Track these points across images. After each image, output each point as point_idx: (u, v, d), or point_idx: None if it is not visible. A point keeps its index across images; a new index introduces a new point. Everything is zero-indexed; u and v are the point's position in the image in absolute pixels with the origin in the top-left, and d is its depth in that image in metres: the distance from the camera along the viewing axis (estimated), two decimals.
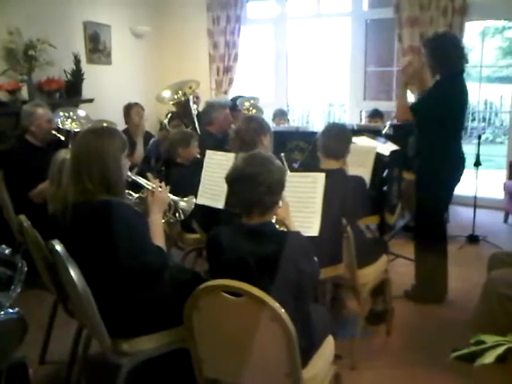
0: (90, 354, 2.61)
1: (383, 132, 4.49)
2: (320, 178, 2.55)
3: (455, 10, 5.37)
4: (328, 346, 2.12)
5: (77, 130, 3.91)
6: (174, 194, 2.57)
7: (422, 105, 3.39)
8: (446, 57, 3.26)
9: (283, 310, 1.69)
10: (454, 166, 3.40)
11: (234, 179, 1.97)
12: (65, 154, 2.63)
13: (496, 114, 11.72)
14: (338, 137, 2.91)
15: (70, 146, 3.70)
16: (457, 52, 3.28)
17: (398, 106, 3.61)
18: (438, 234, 3.49)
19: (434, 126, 3.29)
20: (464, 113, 3.41)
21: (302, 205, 2.53)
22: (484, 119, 11.44)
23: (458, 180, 3.45)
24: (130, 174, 2.34)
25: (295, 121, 9.59)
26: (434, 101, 3.27)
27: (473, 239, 4.74)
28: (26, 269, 1.98)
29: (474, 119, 10.44)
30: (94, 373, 2.67)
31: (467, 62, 3.33)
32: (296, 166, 3.75)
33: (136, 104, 4.91)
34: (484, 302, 2.50)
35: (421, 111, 3.34)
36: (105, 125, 4.22)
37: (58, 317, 2.82)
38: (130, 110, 4.85)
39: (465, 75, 3.38)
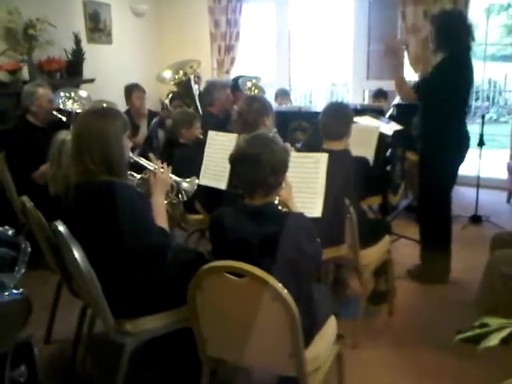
0: (95, 333, 2.66)
1: (387, 114, 4.45)
2: (323, 158, 2.54)
3: None
4: (330, 326, 2.13)
5: (78, 110, 3.89)
6: (176, 175, 2.56)
7: (426, 84, 3.35)
8: (453, 34, 3.21)
9: (286, 291, 1.70)
10: (459, 146, 3.37)
11: (237, 160, 1.96)
12: (65, 135, 2.62)
13: (500, 93, 11.61)
14: (339, 117, 2.89)
15: (71, 127, 3.70)
16: (464, 29, 3.23)
17: (400, 89, 3.55)
18: (443, 214, 3.48)
19: (438, 105, 3.25)
20: (469, 91, 3.37)
21: (305, 185, 2.52)
22: (488, 98, 11.34)
23: (462, 159, 3.42)
24: (131, 154, 2.32)
25: (297, 100, 9.52)
26: (439, 79, 3.23)
27: (476, 219, 4.73)
28: (29, 249, 1.98)
29: (477, 98, 10.35)
30: (98, 352, 2.71)
31: (474, 40, 3.28)
32: (299, 146, 3.72)
33: (137, 86, 4.82)
34: (486, 282, 2.51)
35: (426, 91, 3.30)
36: (105, 105, 4.21)
37: (63, 297, 2.84)
38: (130, 93, 4.78)
39: (471, 53, 3.34)
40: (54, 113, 3.79)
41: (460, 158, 3.40)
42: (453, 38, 3.21)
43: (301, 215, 2.00)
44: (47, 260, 2.66)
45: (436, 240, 3.49)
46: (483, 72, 6.17)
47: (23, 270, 1.91)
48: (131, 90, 4.80)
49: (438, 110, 3.27)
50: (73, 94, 4.03)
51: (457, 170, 3.45)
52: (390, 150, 3.91)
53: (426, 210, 3.54)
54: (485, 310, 2.59)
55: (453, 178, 3.47)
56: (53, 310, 2.89)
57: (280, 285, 1.69)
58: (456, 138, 3.34)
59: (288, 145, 3.21)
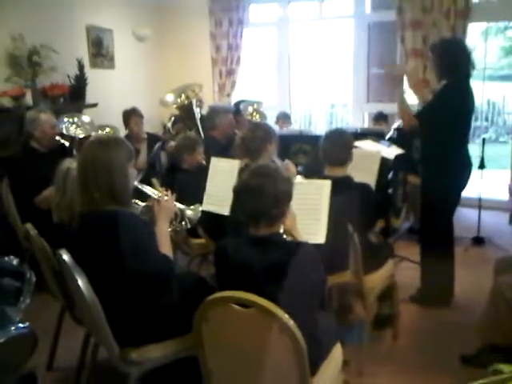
0: (98, 360, 2.62)
1: (387, 136, 4.48)
2: (325, 185, 2.55)
3: (458, 12, 5.36)
4: (336, 354, 2.12)
5: (81, 135, 3.91)
6: (179, 200, 2.57)
7: (428, 111, 3.37)
8: (454, 62, 3.25)
9: (292, 322, 1.69)
10: (461, 171, 3.39)
11: (241, 191, 1.97)
12: (69, 164, 2.64)
13: (499, 114, 11.69)
14: (340, 144, 2.92)
15: (74, 152, 3.73)
16: (464, 57, 3.28)
17: (402, 115, 3.59)
18: (445, 238, 3.49)
19: (441, 131, 3.28)
20: (471, 117, 3.40)
21: (308, 212, 2.53)
22: (487, 119, 11.41)
23: (464, 185, 3.44)
24: (136, 183, 2.34)
25: (297, 122, 9.58)
26: (441, 106, 3.26)
27: (478, 241, 4.74)
28: (34, 279, 1.99)
29: (476, 119, 10.42)
30: (102, 380, 2.68)
31: (474, 68, 3.32)
32: (300, 169, 3.75)
33: (134, 112, 4.83)
34: (491, 308, 2.50)
35: (428, 117, 3.33)
36: (108, 129, 4.25)
37: (66, 322, 2.82)
38: (128, 118, 4.79)
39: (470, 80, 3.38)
40: (57, 138, 3.81)
41: (462, 183, 3.42)
42: (453, 66, 3.25)
43: (306, 244, 2.00)
44: (50, 287, 2.65)
45: (438, 263, 3.48)
46: (482, 93, 6.23)
47: (28, 300, 1.91)
48: (129, 116, 4.81)
49: (440, 137, 3.30)
50: (76, 120, 4.06)
51: (459, 194, 3.47)
52: (391, 174, 3.93)
53: (428, 234, 3.54)
54: (489, 337, 2.59)
55: (455, 202, 3.49)
56: (56, 336, 2.88)
57: (287, 316, 1.69)
58: (458, 164, 3.36)
59: (290, 163, 3.25)
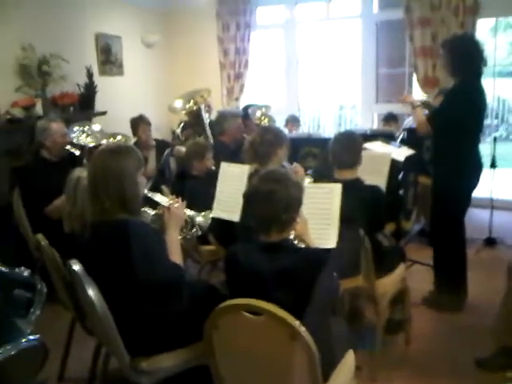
0: (109, 371, 2.62)
1: (398, 139, 4.44)
2: (336, 189, 2.54)
3: (466, 8, 5.33)
4: (349, 360, 2.11)
5: (92, 144, 3.93)
6: (189, 207, 2.56)
7: (441, 112, 3.33)
8: (466, 59, 3.21)
9: (304, 329, 1.68)
10: (473, 171, 3.36)
11: (251, 197, 1.97)
12: (79, 173, 2.65)
13: (509, 111, 11.57)
14: (349, 147, 2.90)
15: (85, 161, 3.74)
16: (476, 54, 3.23)
17: (417, 124, 3.52)
18: (457, 240, 3.45)
19: (453, 131, 3.25)
20: (483, 118, 3.36)
21: (319, 216, 2.52)
22: (497, 116, 11.30)
23: (475, 185, 3.41)
24: (146, 191, 2.34)
25: (306, 124, 9.55)
26: (453, 106, 3.23)
27: (490, 242, 4.69)
28: (45, 290, 1.99)
29: (486, 116, 10.31)
30: None
31: (486, 65, 3.28)
32: (310, 172, 3.73)
33: (142, 119, 4.84)
34: (504, 310, 2.47)
35: (440, 118, 3.30)
36: (119, 137, 4.26)
37: (77, 333, 2.82)
38: (136, 126, 4.81)
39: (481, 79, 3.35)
40: (68, 147, 3.84)
41: (473, 183, 3.39)
42: (465, 63, 3.21)
43: (317, 250, 2.01)
44: (61, 297, 2.66)
45: (450, 266, 3.46)
46: (493, 90, 6.17)
47: (38, 312, 1.91)
48: (137, 123, 4.83)
49: (452, 138, 3.27)
50: (86, 128, 4.07)
51: (470, 195, 3.43)
52: (401, 175, 3.91)
53: (439, 236, 3.51)
54: (502, 339, 2.56)
55: (466, 203, 3.45)
56: (67, 346, 2.87)
57: (298, 323, 1.68)
58: (469, 165, 3.33)
59: (298, 166, 3.24)
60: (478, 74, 3.27)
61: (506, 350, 2.54)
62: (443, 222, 3.44)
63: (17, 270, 2.02)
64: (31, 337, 1.75)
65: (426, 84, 5.67)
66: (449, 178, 3.32)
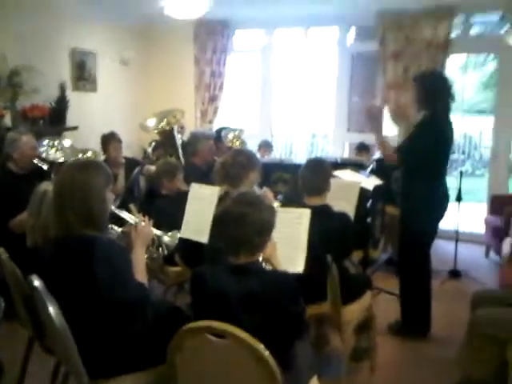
0: None
1: (369, 169, 4.51)
2: (305, 214, 2.54)
3: (438, 45, 5.52)
4: None
5: (61, 159, 3.86)
6: (156, 226, 2.53)
7: (410, 146, 3.40)
8: (435, 94, 3.30)
9: (268, 353, 1.66)
10: (440, 203, 3.43)
11: (222, 218, 1.95)
12: (46, 186, 2.60)
13: (475, 148, 11.92)
14: (319, 174, 2.94)
15: (53, 176, 3.67)
16: (445, 90, 3.34)
17: (383, 151, 3.60)
18: (422, 271, 3.49)
19: (421, 164, 3.31)
20: (450, 149, 3.45)
21: (287, 240, 2.50)
22: (464, 152, 11.63)
23: (442, 215, 3.47)
24: (113, 208, 2.30)
25: (278, 150, 9.64)
26: (423, 139, 3.30)
27: (455, 274, 4.76)
28: (3, 305, 1.92)
29: (453, 151, 10.59)
30: None
31: (454, 101, 3.38)
32: (280, 197, 3.74)
33: (113, 137, 4.80)
34: (469, 342, 2.49)
35: (408, 150, 3.36)
36: (90, 153, 4.21)
37: (35, 351, 2.71)
38: (107, 143, 4.77)
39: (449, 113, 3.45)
40: (36, 161, 3.76)
41: (440, 215, 3.46)
42: (435, 98, 3.30)
43: (285, 274, 1.99)
44: (19, 314, 2.56)
45: (416, 295, 3.49)
46: (460, 126, 6.37)
47: None
48: (108, 141, 4.78)
49: (419, 170, 3.33)
50: (56, 143, 4.01)
51: (436, 226, 3.50)
52: (370, 204, 3.96)
53: (405, 266, 3.55)
54: (466, 368, 2.58)
55: (433, 234, 3.51)
56: (24, 364, 2.76)
57: (262, 346, 1.66)
58: (436, 196, 3.39)
59: (268, 191, 3.24)
60: (447, 109, 3.37)
61: (470, 380, 2.55)
62: (410, 253, 3.48)
63: None
64: None
65: (396, 116, 5.79)
66: (416, 209, 3.38)
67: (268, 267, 2.13)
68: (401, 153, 3.39)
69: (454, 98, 3.39)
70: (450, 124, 3.38)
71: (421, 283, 3.48)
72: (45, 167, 3.77)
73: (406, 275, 3.53)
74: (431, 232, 3.49)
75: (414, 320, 3.50)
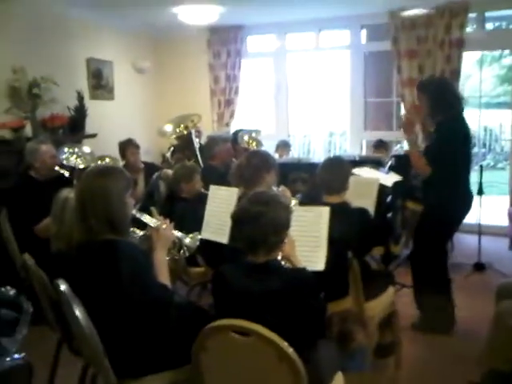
0: None
1: (386, 164, 4.49)
2: (324, 212, 2.55)
3: (452, 42, 5.46)
4: (337, 383, 2.08)
5: (81, 166, 3.93)
6: (177, 229, 2.56)
7: (434, 150, 3.37)
8: (445, 100, 3.31)
9: (292, 350, 1.67)
10: (464, 204, 3.43)
11: (239, 218, 1.97)
12: (67, 193, 2.64)
13: (496, 140, 11.77)
14: (337, 173, 2.93)
15: (74, 182, 3.73)
16: (453, 95, 3.37)
17: (417, 166, 3.52)
18: (438, 265, 3.48)
19: (446, 165, 3.29)
20: (471, 149, 3.45)
21: (307, 239, 2.52)
22: (484, 145, 11.49)
23: (464, 217, 3.49)
24: (134, 211, 2.34)
25: (296, 150, 9.66)
26: (444, 141, 3.29)
27: (479, 267, 4.71)
28: (31, 310, 1.97)
29: (474, 145, 10.48)
30: None
31: (464, 104, 3.41)
32: (299, 197, 3.75)
33: (130, 143, 4.87)
34: (494, 336, 2.47)
35: (433, 157, 3.34)
36: (108, 160, 4.26)
37: (64, 353, 2.76)
38: (125, 149, 4.84)
39: (465, 103, 3.45)
40: (57, 168, 3.83)
41: (463, 216, 3.48)
42: (445, 103, 3.30)
43: (304, 270, 2.00)
44: (47, 318, 2.62)
45: (432, 289, 3.46)
46: (479, 120, 6.29)
47: (25, 331, 1.88)
48: (125, 147, 4.85)
49: (443, 171, 3.30)
50: (76, 150, 4.08)
51: (458, 226, 3.54)
52: (390, 199, 3.94)
53: (419, 260, 3.53)
54: (490, 362, 2.55)
55: (452, 232, 3.49)
56: (53, 367, 2.81)
57: (286, 343, 1.67)
58: (462, 197, 3.40)
59: (286, 190, 3.24)
60: (461, 110, 3.38)
61: (496, 374, 2.53)
62: (426, 248, 3.46)
63: (3, 289, 1.99)
64: (16, 355, 1.72)
65: (413, 111, 5.75)
66: (440, 208, 3.35)
67: (288, 265, 2.14)
68: (429, 159, 3.36)
69: (464, 99, 3.40)
70: (466, 124, 3.38)
71: (436, 277, 3.46)
72: (66, 174, 3.83)
73: (420, 269, 3.52)
74: (450, 230, 3.48)
75: (436, 315, 3.47)
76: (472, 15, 5.57)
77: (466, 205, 3.45)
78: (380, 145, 5.58)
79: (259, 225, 1.90)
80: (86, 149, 4.24)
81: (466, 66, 5.76)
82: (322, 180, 2.96)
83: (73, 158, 4.00)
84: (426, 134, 3.92)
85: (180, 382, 2.14)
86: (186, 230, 2.67)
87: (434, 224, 3.37)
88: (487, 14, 5.82)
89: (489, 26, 6.26)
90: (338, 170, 2.95)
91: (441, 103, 3.31)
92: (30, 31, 4.91)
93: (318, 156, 9.00)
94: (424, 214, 3.55)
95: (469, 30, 5.64)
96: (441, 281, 3.48)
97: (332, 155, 8.13)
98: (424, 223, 3.50)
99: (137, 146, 4.88)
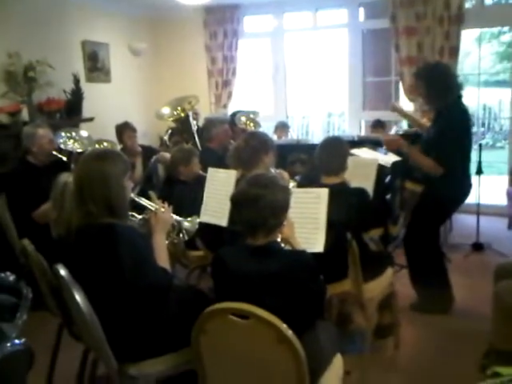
0: (97, 376, 2.61)
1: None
2: (323, 193, 2.54)
3: (451, 19, 5.40)
4: (337, 365, 2.10)
5: (79, 150, 3.90)
6: (177, 212, 2.56)
7: (436, 143, 3.34)
8: (444, 86, 3.27)
9: (291, 332, 1.68)
10: (463, 190, 3.45)
11: (238, 201, 1.97)
12: (66, 178, 2.62)
13: (495, 119, 11.72)
14: (336, 153, 2.91)
15: (72, 167, 3.72)
16: (452, 80, 3.32)
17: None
18: (431, 246, 3.49)
19: (448, 155, 3.28)
20: (471, 138, 3.41)
21: (306, 221, 2.52)
22: (483, 124, 11.44)
23: (461, 202, 3.51)
24: (132, 195, 2.33)
25: (294, 131, 9.63)
26: (445, 131, 3.26)
27: (478, 247, 4.72)
28: (31, 295, 1.97)
29: (473, 124, 10.43)
30: None
31: (462, 89, 3.36)
32: (298, 178, 3.74)
33: (127, 126, 4.82)
34: (494, 314, 2.49)
35: (438, 148, 3.31)
36: (106, 144, 4.24)
37: (64, 339, 2.78)
38: (121, 132, 4.80)
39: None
40: (54, 153, 3.81)
41: (461, 201, 3.51)
42: (445, 89, 3.27)
43: (303, 252, 2.00)
44: (48, 303, 2.63)
45: (427, 270, 3.48)
46: (478, 98, 6.25)
47: (25, 317, 1.89)
48: (122, 130, 4.81)
49: (448, 159, 3.29)
50: (74, 134, 4.04)
51: (454, 210, 3.57)
52: (388, 180, 3.93)
53: (412, 240, 3.54)
54: (493, 342, 2.57)
55: (448, 215, 3.53)
56: (54, 351, 2.83)
57: (285, 326, 1.68)
58: (463, 182, 3.43)
59: (284, 172, 3.23)
60: (460, 96, 3.34)
61: (496, 353, 2.55)
62: (423, 228, 3.47)
63: (2, 275, 1.99)
64: (16, 341, 1.73)
65: (411, 92, 5.72)
66: (440, 189, 3.34)
67: (287, 247, 2.15)
68: (429, 151, 3.35)
69: (462, 85, 3.36)
70: (466, 109, 3.36)
71: (429, 258, 3.48)
72: (64, 158, 3.81)
73: (413, 250, 3.53)
74: (447, 213, 3.52)
75: (433, 295, 3.48)
76: None
77: (464, 192, 3.47)
78: (378, 125, 5.56)
79: (258, 207, 1.90)
80: (84, 133, 4.21)
81: (464, 44, 5.70)
82: (321, 160, 2.94)
83: (70, 142, 3.96)
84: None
85: (181, 365, 2.16)
86: (185, 213, 2.67)
87: (434, 206, 3.37)
88: None
89: (488, 1, 6.17)
90: (336, 150, 2.93)
91: (439, 90, 3.28)
92: (24, 14, 4.84)
93: (317, 137, 8.96)
94: (424, 195, 3.54)
95: (468, 5, 5.58)
96: (435, 262, 3.50)
97: (330, 136, 8.10)
98: (424, 204, 3.49)
99: (133, 130, 4.84)
